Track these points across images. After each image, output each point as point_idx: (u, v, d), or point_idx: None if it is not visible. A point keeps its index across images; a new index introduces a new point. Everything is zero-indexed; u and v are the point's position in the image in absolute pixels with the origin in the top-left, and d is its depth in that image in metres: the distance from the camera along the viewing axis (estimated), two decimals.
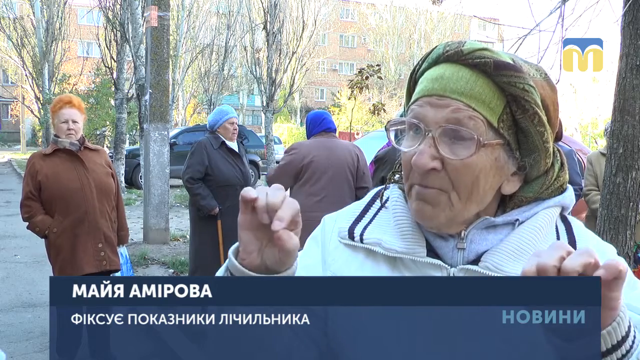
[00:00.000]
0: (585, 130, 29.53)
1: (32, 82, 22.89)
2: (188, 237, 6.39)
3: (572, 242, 0.94)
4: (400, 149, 0.93)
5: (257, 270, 0.81)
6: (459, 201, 0.89)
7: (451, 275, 0.91)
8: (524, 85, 0.87)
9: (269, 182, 4.72)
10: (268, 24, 16.92)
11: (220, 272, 0.88)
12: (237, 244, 0.84)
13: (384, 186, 1.04)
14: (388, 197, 1.01)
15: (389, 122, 0.97)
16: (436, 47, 0.94)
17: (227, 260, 0.86)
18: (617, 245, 3.14)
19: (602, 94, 26.80)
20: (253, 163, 14.98)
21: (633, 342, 0.74)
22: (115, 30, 12.30)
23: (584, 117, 30.07)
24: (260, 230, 0.80)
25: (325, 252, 1.02)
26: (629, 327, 0.74)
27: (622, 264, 0.69)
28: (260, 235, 0.80)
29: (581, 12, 3.60)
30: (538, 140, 0.90)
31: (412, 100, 0.94)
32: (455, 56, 0.89)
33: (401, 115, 1.03)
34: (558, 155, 0.97)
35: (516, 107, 0.88)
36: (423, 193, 0.90)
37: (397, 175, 1.02)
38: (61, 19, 22.24)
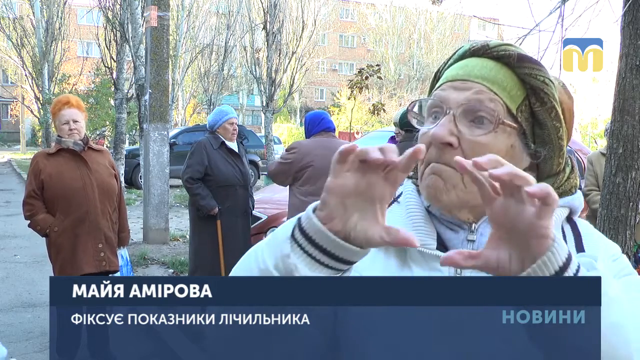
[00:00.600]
0: (585, 130, 29.52)
1: (32, 82, 22.86)
2: (188, 237, 6.39)
3: (578, 241, 0.94)
4: (420, 129, 0.95)
5: (337, 235, 0.74)
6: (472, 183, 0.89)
7: (458, 270, 0.91)
8: (544, 78, 0.91)
9: (270, 176, 4.73)
10: (268, 24, 16.91)
11: (288, 226, 0.79)
12: (316, 203, 0.77)
13: None
14: (401, 192, 1.02)
15: (410, 104, 0.99)
16: (462, 46, 0.99)
17: (301, 215, 0.78)
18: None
19: (602, 94, 26.79)
20: (253, 163, 14.97)
21: (575, 273, 0.73)
22: (115, 30, 12.28)
23: (583, 117, 30.05)
24: (352, 197, 0.74)
25: None
26: (568, 258, 0.72)
27: (553, 192, 0.68)
28: (350, 203, 0.74)
29: (581, 12, 3.60)
30: (553, 134, 0.93)
31: (435, 88, 0.97)
32: (481, 50, 0.94)
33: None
34: (569, 160, 1.00)
35: (535, 99, 0.92)
36: (439, 168, 0.90)
37: (412, 172, 1.02)
38: (61, 19, 22.21)
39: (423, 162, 0.94)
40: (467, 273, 0.91)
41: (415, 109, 0.99)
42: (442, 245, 0.94)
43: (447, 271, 0.92)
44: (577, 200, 0.99)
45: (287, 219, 5.14)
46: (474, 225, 0.94)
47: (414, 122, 0.98)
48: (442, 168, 0.90)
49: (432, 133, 0.90)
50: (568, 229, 0.97)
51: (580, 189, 3.82)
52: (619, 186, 3.14)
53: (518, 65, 0.91)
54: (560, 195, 0.96)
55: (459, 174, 0.88)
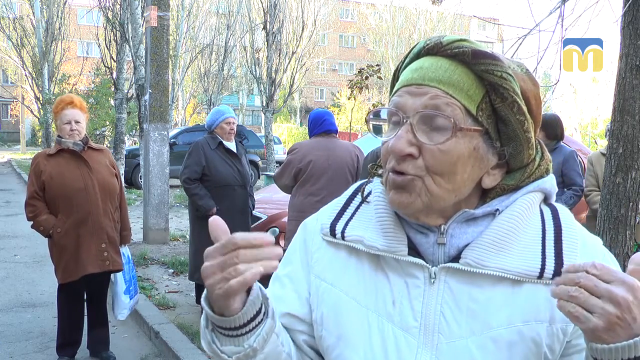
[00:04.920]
0: (585, 130, 29.53)
1: (32, 82, 22.87)
2: (188, 237, 6.39)
3: (557, 228, 0.92)
4: (379, 138, 0.93)
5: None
6: (435, 187, 0.87)
7: (432, 274, 0.90)
8: (501, 73, 0.86)
9: (275, 182, 4.75)
10: (268, 24, 16.92)
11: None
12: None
13: (365, 180, 1.03)
14: (370, 192, 1.00)
15: (368, 113, 0.97)
16: (417, 43, 0.95)
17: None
18: (617, 245, 3.14)
19: (602, 94, 26.80)
20: (253, 163, 14.94)
21: None
22: (115, 30, 12.27)
23: (583, 117, 30.07)
24: None
25: (308, 255, 1.02)
26: None
27: None
28: None
29: (581, 12, 3.59)
30: (518, 129, 0.89)
31: (392, 94, 0.94)
32: (435, 48, 0.90)
33: None
34: (539, 148, 0.97)
35: (495, 95, 0.87)
36: (397, 181, 0.88)
37: (381, 170, 1.01)
38: (61, 19, 22.21)
39: (386, 170, 0.92)
40: (442, 279, 0.90)
41: (371, 115, 0.96)
42: (413, 250, 0.93)
43: (422, 277, 0.91)
44: (548, 182, 0.96)
45: (287, 219, 5.11)
46: (443, 227, 0.91)
47: (371, 130, 0.96)
48: (400, 180, 0.88)
49: (391, 146, 0.88)
50: (548, 215, 0.94)
51: (581, 189, 3.82)
52: (619, 186, 3.13)
53: (474, 62, 0.87)
54: (532, 181, 0.94)
55: (419, 180, 0.87)
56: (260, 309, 0.87)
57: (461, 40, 0.89)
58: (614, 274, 0.73)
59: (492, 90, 0.87)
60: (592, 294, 0.73)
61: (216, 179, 4.79)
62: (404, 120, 0.88)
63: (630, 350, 0.72)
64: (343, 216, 1.00)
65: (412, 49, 0.95)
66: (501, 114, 0.88)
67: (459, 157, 0.87)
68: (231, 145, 4.93)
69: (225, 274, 0.81)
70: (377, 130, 0.95)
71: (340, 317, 0.94)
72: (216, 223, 0.86)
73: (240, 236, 0.82)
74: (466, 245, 0.90)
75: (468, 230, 0.91)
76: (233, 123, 4.93)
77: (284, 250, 3.95)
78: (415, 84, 0.89)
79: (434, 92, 0.87)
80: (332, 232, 0.99)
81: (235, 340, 0.86)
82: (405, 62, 0.95)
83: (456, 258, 0.90)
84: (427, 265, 0.91)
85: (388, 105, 0.93)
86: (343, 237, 0.97)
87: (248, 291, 0.85)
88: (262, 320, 0.87)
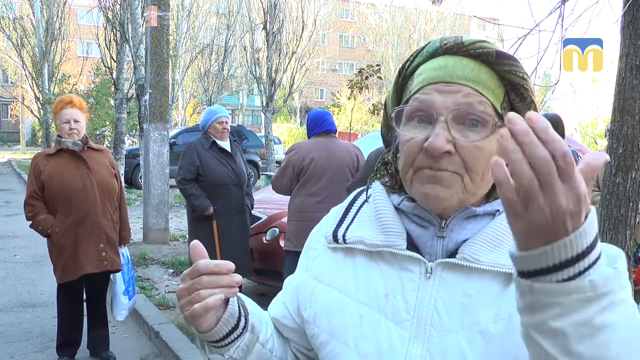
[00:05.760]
0: (585, 130, 29.54)
1: (32, 82, 22.88)
2: (187, 237, 6.39)
3: None
4: (402, 134, 0.91)
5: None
6: (471, 185, 0.88)
7: (429, 269, 0.91)
8: (522, 74, 0.90)
9: (272, 185, 4.72)
10: (268, 24, 16.93)
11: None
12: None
13: (364, 187, 1.05)
14: (371, 194, 1.02)
15: (394, 109, 0.94)
16: (429, 42, 0.94)
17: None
18: (617, 245, 3.13)
19: (602, 94, 26.81)
20: (253, 163, 14.94)
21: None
22: (115, 30, 12.27)
23: (583, 117, 30.08)
24: None
25: (308, 262, 1.06)
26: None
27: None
28: None
29: (581, 12, 3.59)
30: None
31: (414, 91, 0.93)
32: (456, 48, 0.90)
33: (384, 125, 1.03)
34: None
35: (514, 95, 0.91)
36: (436, 175, 0.88)
37: (379, 173, 1.02)
38: (61, 19, 22.22)
39: (412, 166, 0.90)
40: (438, 275, 0.90)
41: (394, 114, 0.95)
42: (412, 244, 0.94)
43: (418, 271, 0.92)
44: None
45: (287, 219, 5.07)
46: (443, 222, 0.93)
47: (395, 124, 0.94)
48: (441, 175, 0.88)
49: (430, 144, 0.86)
50: None
51: None
52: (619, 186, 3.13)
53: (497, 63, 0.89)
54: None
55: (458, 177, 0.88)
56: (238, 324, 0.95)
57: (482, 41, 0.91)
58: (575, 174, 0.63)
59: (512, 90, 0.91)
60: (542, 188, 0.61)
61: (210, 179, 4.79)
62: (438, 118, 0.88)
63: (548, 257, 0.64)
64: (344, 222, 1.02)
65: (424, 47, 0.94)
66: (520, 114, 0.90)
67: (491, 154, 0.87)
68: (225, 144, 4.93)
69: (190, 298, 0.89)
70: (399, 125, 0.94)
71: (333, 313, 0.96)
72: (194, 247, 0.94)
73: (202, 263, 0.90)
74: (464, 241, 0.92)
75: (467, 226, 0.93)
76: (226, 122, 4.92)
77: (286, 251, 3.98)
78: (442, 82, 0.89)
79: (465, 90, 0.88)
80: (335, 239, 1.01)
81: (218, 350, 0.96)
82: (417, 61, 0.94)
83: (453, 254, 0.91)
84: (424, 260, 0.92)
85: (410, 103, 0.92)
86: (345, 241, 0.99)
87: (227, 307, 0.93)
88: (241, 334, 0.96)
